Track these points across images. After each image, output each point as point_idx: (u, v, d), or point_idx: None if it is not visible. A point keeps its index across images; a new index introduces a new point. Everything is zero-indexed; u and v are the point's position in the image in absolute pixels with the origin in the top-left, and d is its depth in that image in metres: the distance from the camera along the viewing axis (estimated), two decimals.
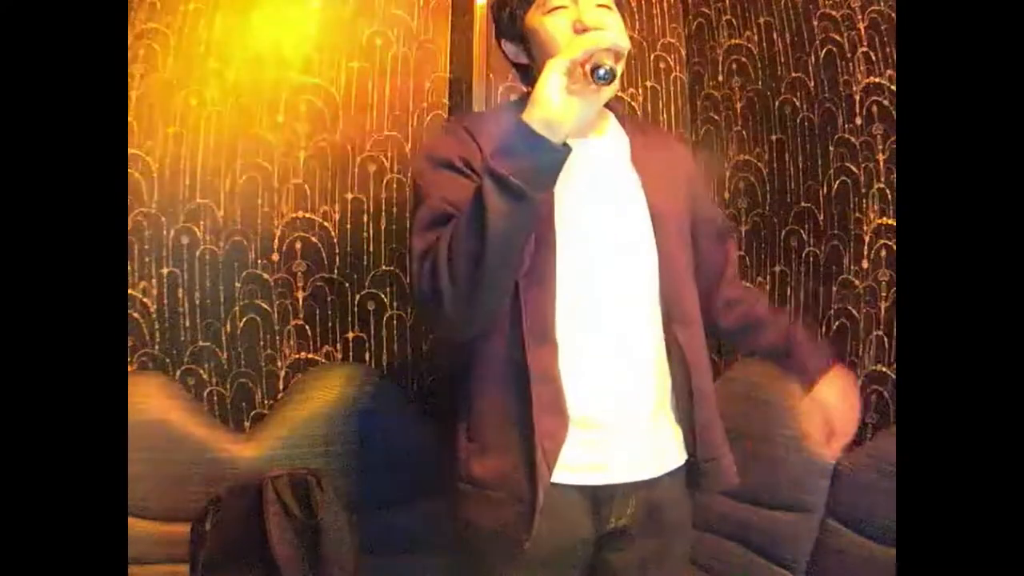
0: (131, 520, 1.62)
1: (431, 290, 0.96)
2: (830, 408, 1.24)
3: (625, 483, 1.10)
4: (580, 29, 1.02)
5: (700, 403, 1.14)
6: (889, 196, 1.69)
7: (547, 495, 1.02)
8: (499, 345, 1.05)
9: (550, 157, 0.92)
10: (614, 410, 1.08)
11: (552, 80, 0.90)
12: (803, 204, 1.91)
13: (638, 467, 1.10)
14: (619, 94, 2.18)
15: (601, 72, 0.90)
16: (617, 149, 1.16)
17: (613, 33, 0.97)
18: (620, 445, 1.09)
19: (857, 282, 1.76)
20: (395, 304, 2.01)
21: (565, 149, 0.92)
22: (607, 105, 1.19)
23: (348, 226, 1.97)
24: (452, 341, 1.11)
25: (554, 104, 0.90)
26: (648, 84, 2.23)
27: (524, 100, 1.14)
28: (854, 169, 1.77)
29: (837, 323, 1.81)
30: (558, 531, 1.06)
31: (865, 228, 1.74)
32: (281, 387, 1.93)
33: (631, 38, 2.16)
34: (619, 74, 0.94)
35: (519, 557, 1.05)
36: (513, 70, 1.21)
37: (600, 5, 1.08)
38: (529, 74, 1.16)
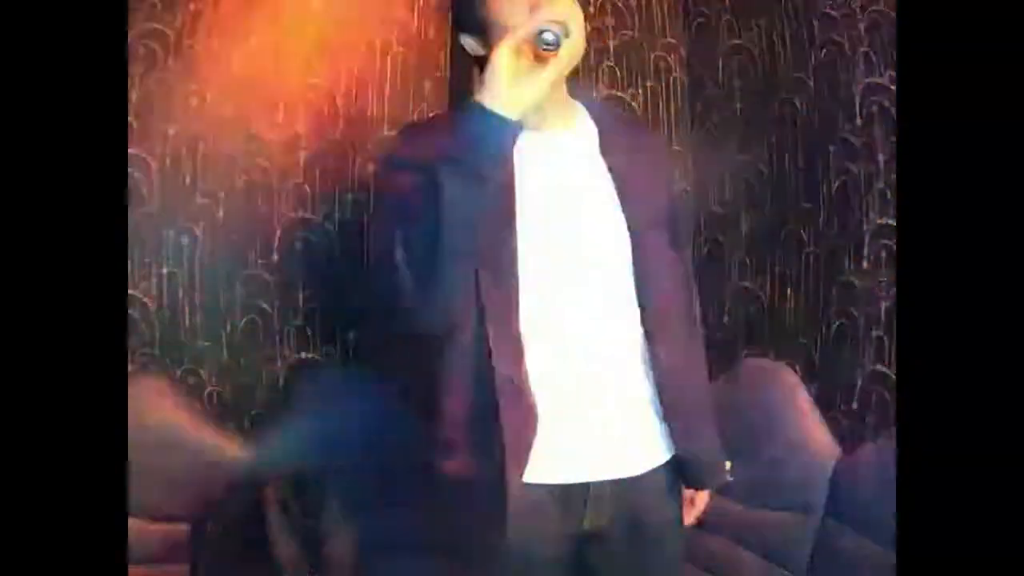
0: (131, 520, 1.62)
1: (391, 276, 0.98)
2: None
3: (598, 481, 1.09)
4: (535, 4, 1.01)
5: (683, 399, 1.13)
6: (889, 196, 1.69)
7: (520, 496, 1.03)
8: (465, 344, 1.05)
9: (501, 132, 0.93)
10: (582, 407, 1.07)
11: (501, 58, 0.92)
12: (803, 204, 1.91)
13: (610, 465, 1.10)
14: (619, 94, 2.18)
15: (547, 37, 0.92)
16: (585, 141, 1.14)
17: (560, 6, 0.98)
18: (590, 442, 1.08)
19: (857, 282, 1.76)
20: None
21: (516, 123, 0.94)
22: (578, 97, 1.18)
23: (348, 226, 1.97)
24: (419, 337, 1.12)
25: (503, 80, 0.92)
26: (648, 84, 2.23)
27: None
28: (854, 169, 1.77)
29: (837, 323, 1.81)
30: (530, 529, 1.05)
31: (865, 228, 1.74)
32: (281, 387, 1.93)
33: (631, 38, 2.20)
34: (564, 47, 0.95)
35: (497, 556, 1.06)
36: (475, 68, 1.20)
37: None
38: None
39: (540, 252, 1.06)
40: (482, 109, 0.92)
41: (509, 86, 0.92)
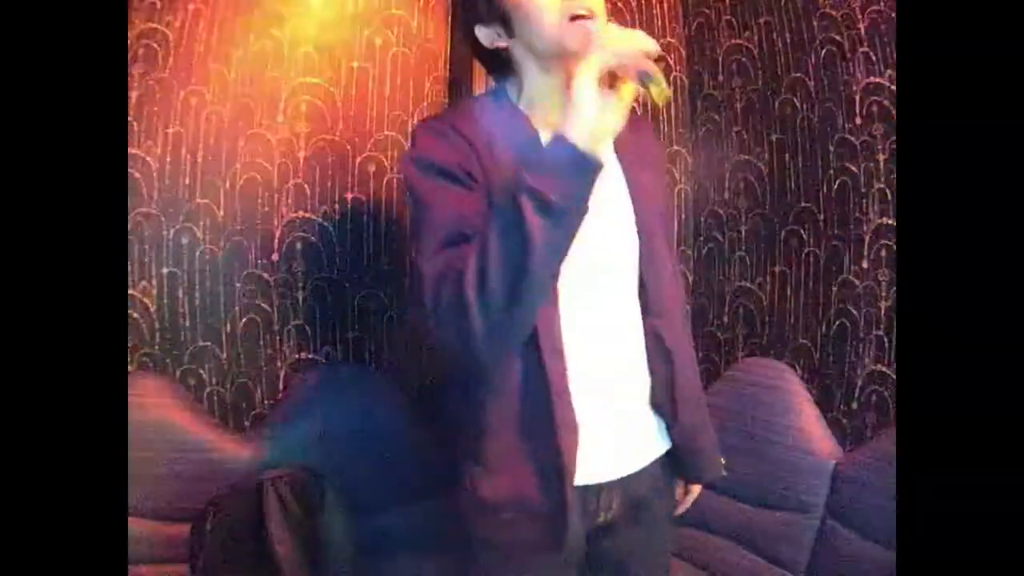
0: (131, 520, 1.62)
1: (456, 316, 0.88)
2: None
3: (612, 479, 1.10)
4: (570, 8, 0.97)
5: (680, 393, 1.14)
6: (889, 196, 1.69)
7: (576, 500, 1.03)
8: (512, 363, 1.01)
9: (589, 170, 0.86)
10: (602, 410, 1.08)
11: (589, 88, 0.85)
12: (803, 204, 1.91)
13: (624, 462, 1.11)
14: None
15: (650, 79, 0.86)
16: None
17: (640, 34, 0.90)
18: (607, 443, 1.09)
19: (857, 282, 1.77)
20: (395, 304, 2.01)
21: (600, 161, 0.87)
22: None
23: (348, 226, 1.97)
24: (467, 365, 1.04)
25: (594, 114, 0.85)
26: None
27: (498, 92, 1.11)
28: (854, 169, 1.77)
29: (837, 323, 1.81)
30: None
31: (865, 228, 1.74)
32: (281, 387, 1.93)
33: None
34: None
35: (524, 566, 1.06)
36: (480, 62, 1.16)
37: None
38: (503, 59, 1.09)
39: (572, 260, 1.04)
40: (574, 148, 0.84)
41: (597, 120, 0.85)
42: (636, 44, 0.87)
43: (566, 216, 0.86)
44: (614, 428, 1.10)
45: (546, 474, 1.02)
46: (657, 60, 0.89)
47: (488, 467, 1.06)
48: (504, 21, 1.03)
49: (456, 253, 0.91)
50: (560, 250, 0.89)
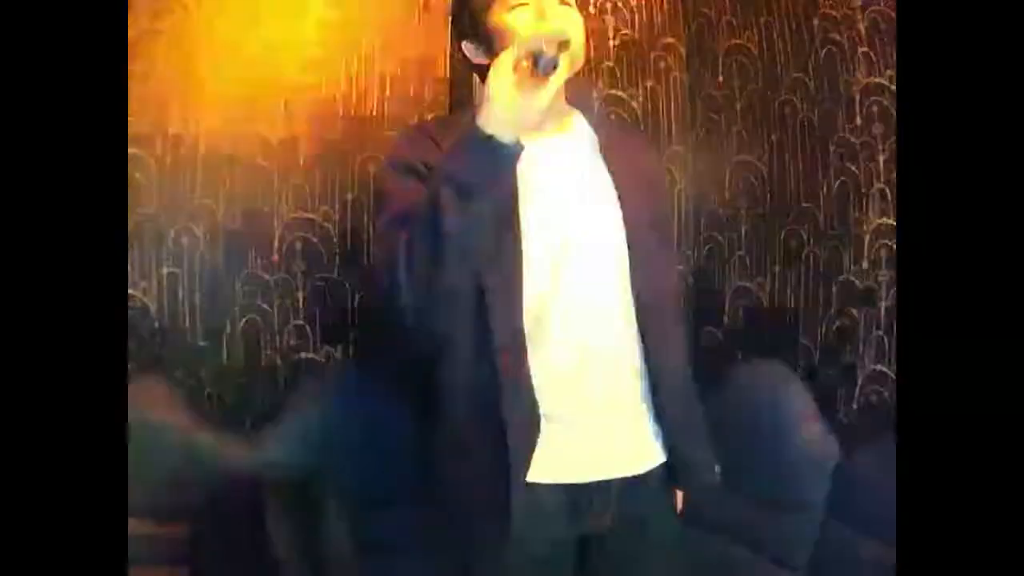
0: (131, 520, 1.62)
1: (390, 290, 0.99)
2: None
3: (601, 481, 1.09)
4: (540, 13, 1.04)
5: (670, 399, 1.14)
6: (889, 196, 1.69)
7: (523, 496, 1.03)
8: (467, 345, 1.06)
9: (501, 155, 0.94)
10: (584, 407, 1.08)
11: (499, 78, 0.92)
12: (803, 204, 1.91)
13: (612, 465, 1.10)
14: (618, 94, 2.18)
15: (542, 62, 0.92)
16: (584, 144, 1.16)
17: (556, 23, 0.99)
18: (593, 442, 1.08)
19: (857, 282, 1.77)
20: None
21: (516, 147, 0.94)
22: (573, 103, 1.20)
23: (348, 226, 1.97)
24: (420, 341, 1.13)
25: (502, 102, 0.92)
26: (648, 84, 2.22)
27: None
28: (854, 169, 1.77)
29: (837, 323, 1.81)
30: (536, 531, 1.06)
31: (865, 228, 1.74)
32: (281, 387, 1.92)
33: (631, 38, 2.19)
34: (562, 64, 0.95)
35: (502, 560, 1.06)
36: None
37: (562, 2, 1.08)
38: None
39: (541, 253, 1.06)
40: (482, 135, 0.93)
41: (508, 109, 0.93)
42: (545, 31, 0.96)
43: (475, 194, 0.94)
44: (601, 427, 1.09)
45: (497, 459, 1.03)
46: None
47: (452, 448, 1.09)
48: (485, 42, 1.11)
49: (402, 237, 1.00)
50: (474, 226, 0.96)
